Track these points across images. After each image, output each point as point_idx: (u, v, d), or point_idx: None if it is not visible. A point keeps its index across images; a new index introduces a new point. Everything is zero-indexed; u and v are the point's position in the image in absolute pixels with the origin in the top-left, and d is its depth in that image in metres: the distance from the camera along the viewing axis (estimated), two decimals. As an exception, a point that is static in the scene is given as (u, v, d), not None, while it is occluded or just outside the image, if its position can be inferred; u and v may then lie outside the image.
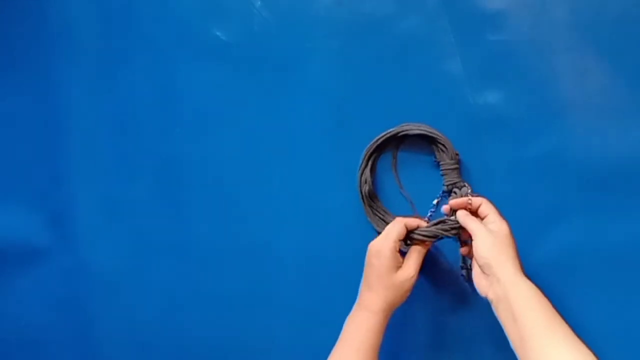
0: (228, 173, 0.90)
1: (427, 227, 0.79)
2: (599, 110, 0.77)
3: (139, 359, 0.94)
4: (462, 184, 0.80)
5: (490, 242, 0.71)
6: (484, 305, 0.72)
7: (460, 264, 0.82)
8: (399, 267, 0.76)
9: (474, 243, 0.73)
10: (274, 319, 0.89)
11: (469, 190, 0.80)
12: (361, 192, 0.84)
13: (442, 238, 0.78)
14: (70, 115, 0.95)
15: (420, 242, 0.78)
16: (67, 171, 0.95)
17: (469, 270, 0.81)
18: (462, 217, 0.77)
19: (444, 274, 0.83)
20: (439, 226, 0.78)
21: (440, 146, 0.81)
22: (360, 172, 0.84)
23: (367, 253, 0.77)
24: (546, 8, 0.78)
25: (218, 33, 0.90)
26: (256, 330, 0.90)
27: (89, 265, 0.95)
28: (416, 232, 0.78)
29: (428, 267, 0.83)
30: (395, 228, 0.77)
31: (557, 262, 0.79)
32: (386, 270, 0.74)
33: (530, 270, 0.73)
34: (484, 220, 0.76)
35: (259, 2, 0.88)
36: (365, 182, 0.83)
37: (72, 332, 0.96)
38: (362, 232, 0.83)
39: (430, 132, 0.81)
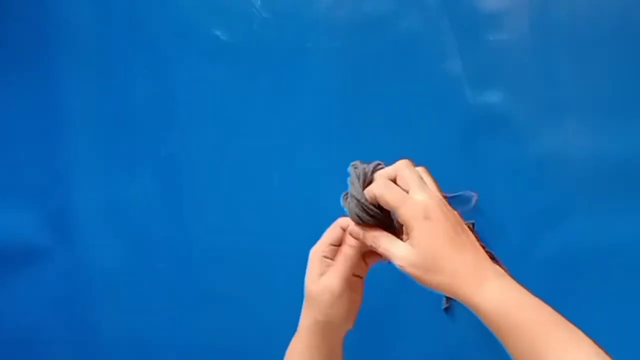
0: (228, 173, 0.90)
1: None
2: (599, 110, 0.77)
3: (139, 359, 0.94)
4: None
5: (410, 261, 0.53)
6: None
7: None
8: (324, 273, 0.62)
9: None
10: (274, 320, 0.89)
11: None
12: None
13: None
14: (70, 115, 0.95)
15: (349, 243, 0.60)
16: (67, 171, 0.96)
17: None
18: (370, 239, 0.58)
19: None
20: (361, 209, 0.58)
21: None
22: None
23: None
24: (546, 8, 0.78)
25: (218, 33, 0.89)
26: (256, 331, 0.90)
27: (88, 265, 0.95)
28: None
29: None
30: (328, 231, 0.63)
31: (558, 262, 0.78)
32: (311, 277, 0.62)
33: (531, 270, 0.73)
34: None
35: (259, 2, 0.88)
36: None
37: (72, 332, 0.96)
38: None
39: None
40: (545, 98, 0.79)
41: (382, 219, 0.58)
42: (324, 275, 0.61)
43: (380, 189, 0.56)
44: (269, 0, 0.87)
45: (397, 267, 0.54)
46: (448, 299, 0.80)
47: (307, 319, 0.61)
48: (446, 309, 0.81)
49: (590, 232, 0.77)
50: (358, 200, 0.58)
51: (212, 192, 0.91)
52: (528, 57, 0.79)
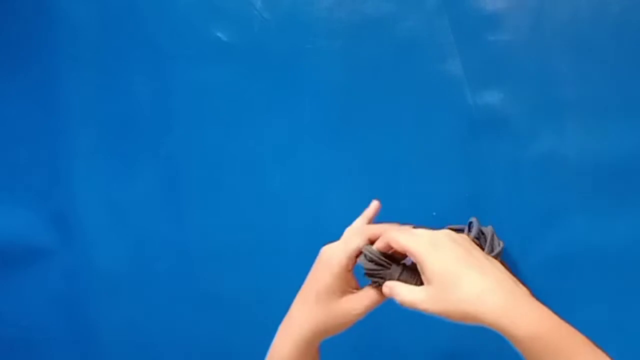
0: (228, 173, 0.90)
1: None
2: (599, 110, 0.77)
3: (140, 359, 0.94)
4: None
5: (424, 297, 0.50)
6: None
7: None
8: (346, 292, 0.58)
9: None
10: (275, 320, 0.89)
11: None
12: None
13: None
14: (71, 115, 0.95)
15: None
16: (68, 171, 0.96)
17: None
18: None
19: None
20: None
21: None
22: None
23: (318, 256, 0.61)
24: (546, 8, 0.78)
25: (218, 34, 0.90)
26: (256, 331, 0.89)
27: (89, 265, 0.95)
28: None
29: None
30: (355, 239, 0.58)
31: (557, 262, 0.79)
32: (328, 289, 0.58)
33: (530, 270, 0.73)
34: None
35: (260, 3, 0.88)
36: None
37: (74, 332, 0.96)
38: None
39: None
40: (545, 98, 0.79)
41: (392, 272, 0.57)
42: (355, 297, 0.57)
43: (386, 234, 0.56)
44: (270, 2, 0.87)
45: (426, 314, 0.51)
46: None
47: (309, 327, 0.58)
48: None
49: (590, 232, 0.77)
50: (365, 254, 0.58)
51: (212, 192, 0.91)
52: (528, 57, 0.79)
